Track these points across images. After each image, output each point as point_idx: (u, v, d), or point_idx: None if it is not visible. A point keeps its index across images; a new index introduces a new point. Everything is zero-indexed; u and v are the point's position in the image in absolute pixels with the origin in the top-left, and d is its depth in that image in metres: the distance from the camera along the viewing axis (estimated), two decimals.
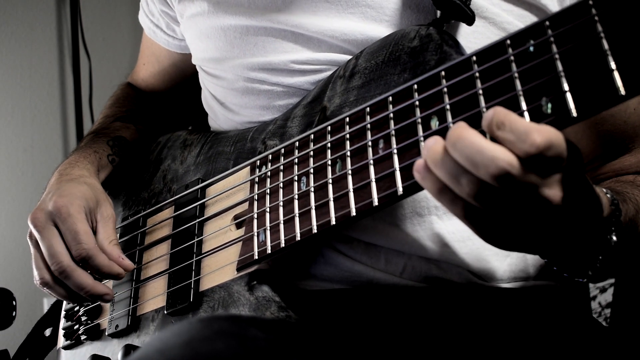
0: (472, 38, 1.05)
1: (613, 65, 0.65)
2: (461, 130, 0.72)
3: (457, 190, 0.73)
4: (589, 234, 0.82)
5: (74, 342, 1.34)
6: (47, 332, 1.49)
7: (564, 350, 1.03)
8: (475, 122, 0.75)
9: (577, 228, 0.79)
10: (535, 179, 0.70)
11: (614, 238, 0.85)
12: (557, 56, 0.69)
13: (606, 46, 0.66)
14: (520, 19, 1.07)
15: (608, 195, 0.87)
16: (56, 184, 1.24)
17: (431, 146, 0.74)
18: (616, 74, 0.65)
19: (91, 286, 1.15)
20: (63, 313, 1.41)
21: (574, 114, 0.68)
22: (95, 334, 1.31)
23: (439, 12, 1.01)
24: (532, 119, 0.71)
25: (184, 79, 1.55)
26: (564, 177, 0.72)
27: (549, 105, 0.69)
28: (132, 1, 3.06)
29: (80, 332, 1.33)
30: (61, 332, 1.39)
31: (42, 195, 1.24)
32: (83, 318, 1.33)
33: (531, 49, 0.72)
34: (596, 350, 1.06)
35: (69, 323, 1.37)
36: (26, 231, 1.19)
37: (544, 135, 0.67)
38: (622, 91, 0.65)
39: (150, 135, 1.51)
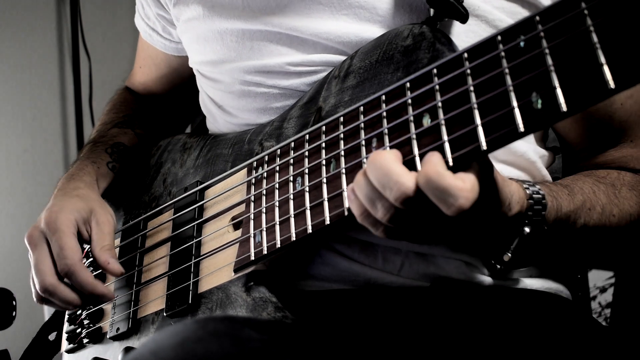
0: (464, 37, 1.05)
1: (602, 58, 0.65)
2: (377, 153, 0.78)
3: (374, 214, 0.80)
4: (491, 226, 0.90)
5: (77, 345, 1.35)
6: (52, 337, 1.50)
7: (563, 350, 1.03)
8: (466, 119, 0.75)
9: (479, 223, 0.86)
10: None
11: (527, 229, 0.93)
12: (547, 51, 0.69)
13: (595, 39, 0.65)
14: (512, 16, 1.07)
15: (528, 191, 0.93)
16: (52, 200, 1.26)
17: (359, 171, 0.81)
18: (605, 68, 0.65)
19: (76, 300, 1.17)
20: (66, 317, 1.42)
21: (564, 108, 0.67)
22: (97, 337, 1.31)
23: (432, 11, 1.01)
24: (523, 114, 0.71)
25: (181, 81, 1.54)
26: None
27: (539, 101, 0.69)
28: (132, 1, 3.05)
29: (82, 335, 1.33)
30: (64, 335, 1.40)
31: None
32: (85, 321, 1.34)
33: (522, 44, 0.72)
34: (596, 350, 1.06)
35: (72, 327, 1.38)
36: (26, 231, 1.21)
37: (467, 198, 0.73)
38: (612, 84, 0.64)
39: (150, 138, 1.51)
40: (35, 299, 1.21)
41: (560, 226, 0.98)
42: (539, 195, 0.93)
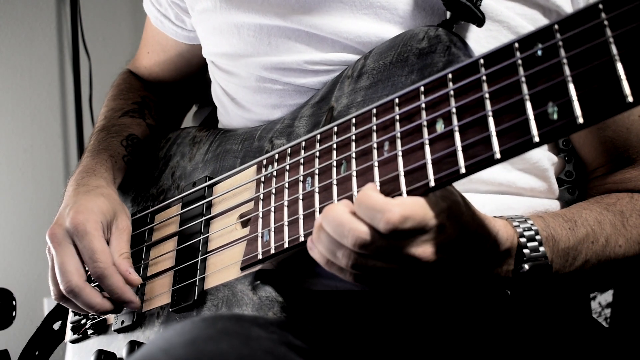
0: (485, 43, 1.05)
1: (621, 71, 0.64)
2: (329, 207, 0.83)
3: (337, 263, 0.83)
4: (479, 264, 0.88)
5: (81, 336, 1.35)
6: (56, 326, 1.50)
7: (564, 351, 1.03)
8: (481, 126, 0.75)
9: (464, 266, 0.86)
10: (398, 244, 0.79)
11: (525, 267, 0.90)
12: (565, 61, 0.68)
13: (615, 51, 0.65)
14: (533, 24, 1.06)
15: (519, 229, 0.92)
16: (73, 196, 1.24)
17: (316, 222, 0.84)
18: (624, 80, 0.64)
19: (99, 305, 1.16)
20: None
21: (580, 120, 0.66)
22: (102, 329, 1.32)
23: (448, 13, 1.00)
24: (538, 124, 0.70)
25: (189, 69, 1.53)
26: (434, 236, 0.80)
27: (555, 110, 0.68)
28: (132, 1, 3.07)
29: (87, 326, 1.33)
30: (69, 326, 1.40)
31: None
32: (90, 313, 1.33)
33: (539, 52, 0.71)
34: (596, 350, 1.07)
35: (77, 317, 1.38)
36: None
37: (396, 213, 0.76)
38: (630, 98, 0.63)
39: (159, 129, 1.50)
40: (54, 297, 1.20)
41: (560, 261, 0.95)
42: (531, 232, 0.91)
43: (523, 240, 0.90)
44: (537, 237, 0.91)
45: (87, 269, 1.16)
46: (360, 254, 0.81)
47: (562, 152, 1.21)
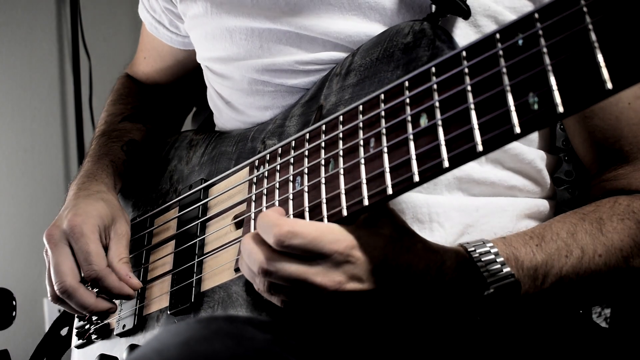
0: (474, 39, 1.03)
1: (600, 58, 0.63)
2: (245, 236, 0.87)
3: (258, 288, 0.86)
4: (423, 294, 0.87)
5: (86, 341, 1.36)
6: (63, 332, 1.51)
7: (563, 351, 1.03)
8: (463, 119, 0.74)
9: (402, 299, 0.86)
10: (298, 270, 0.81)
11: (491, 290, 0.88)
12: (545, 50, 0.68)
13: (594, 38, 0.64)
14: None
15: (475, 254, 0.90)
16: (73, 199, 1.25)
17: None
18: (603, 67, 0.63)
19: (93, 305, 1.17)
20: None
21: (561, 109, 0.66)
22: (105, 333, 1.33)
23: (433, 7, 1.00)
24: (519, 115, 0.69)
25: (186, 73, 1.54)
26: (338, 265, 0.81)
27: (536, 100, 0.68)
28: (132, 1, 3.08)
29: (91, 331, 1.35)
30: (74, 331, 1.41)
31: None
32: (94, 318, 1.35)
33: (520, 42, 0.70)
34: (596, 351, 1.06)
35: (81, 323, 1.39)
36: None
37: (284, 227, 0.80)
38: (609, 85, 0.63)
39: (158, 133, 1.51)
40: (50, 298, 1.21)
41: (528, 281, 0.92)
42: (490, 256, 0.89)
43: (481, 264, 0.89)
44: (499, 259, 0.89)
45: (82, 271, 1.17)
46: (271, 282, 0.84)
47: (561, 151, 1.19)
